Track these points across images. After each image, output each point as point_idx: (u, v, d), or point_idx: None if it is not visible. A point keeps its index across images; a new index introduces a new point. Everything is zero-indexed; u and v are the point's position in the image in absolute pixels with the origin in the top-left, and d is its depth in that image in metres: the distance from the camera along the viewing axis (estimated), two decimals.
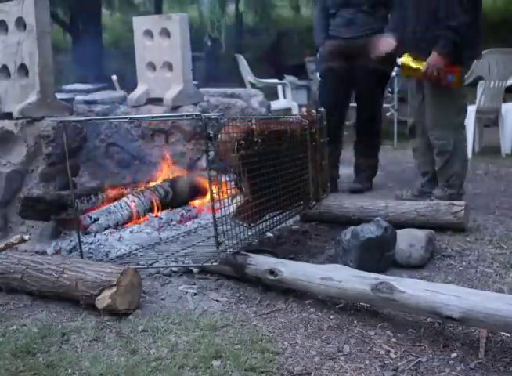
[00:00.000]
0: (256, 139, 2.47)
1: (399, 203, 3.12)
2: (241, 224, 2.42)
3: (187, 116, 2.48)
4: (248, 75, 7.00)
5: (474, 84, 5.00)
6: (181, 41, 3.71)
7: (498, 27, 12.50)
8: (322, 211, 3.21)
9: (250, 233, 2.51)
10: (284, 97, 6.98)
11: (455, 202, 2.98)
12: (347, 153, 5.56)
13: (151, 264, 2.51)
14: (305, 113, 3.07)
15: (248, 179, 2.42)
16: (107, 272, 2.16)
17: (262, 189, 2.52)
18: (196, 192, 3.43)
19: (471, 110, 5.06)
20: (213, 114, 2.48)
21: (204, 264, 2.45)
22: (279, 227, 2.96)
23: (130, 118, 3.10)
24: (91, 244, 2.81)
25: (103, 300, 2.11)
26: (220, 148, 2.40)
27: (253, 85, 6.75)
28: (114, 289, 2.10)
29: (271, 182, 2.57)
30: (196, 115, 2.33)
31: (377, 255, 2.50)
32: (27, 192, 2.93)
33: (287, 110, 6.52)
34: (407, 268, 2.55)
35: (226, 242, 2.32)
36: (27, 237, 2.49)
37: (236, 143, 2.35)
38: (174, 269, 2.57)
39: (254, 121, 2.55)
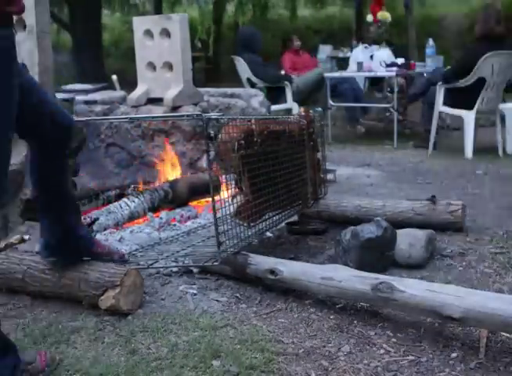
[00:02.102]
0: (256, 139, 2.47)
1: (397, 202, 3.13)
2: (241, 224, 2.42)
3: (187, 116, 2.49)
4: (248, 75, 6.97)
5: (475, 84, 4.99)
6: (181, 41, 3.71)
7: None
8: (320, 210, 3.21)
9: (250, 233, 2.51)
10: None
11: (452, 201, 2.99)
12: (348, 153, 5.59)
13: (151, 264, 2.50)
14: (303, 114, 3.08)
15: (248, 179, 2.42)
16: (110, 273, 2.16)
17: (262, 189, 2.52)
18: (196, 192, 3.43)
19: (471, 110, 5.07)
20: (213, 114, 2.48)
21: (205, 264, 2.45)
22: (278, 227, 2.97)
23: (130, 118, 3.11)
24: None
25: (107, 300, 2.11)
26: (220, 148, 2.40)
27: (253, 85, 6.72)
28: (118, 289, 2.10)
29: (270, 182, 2.58)
30: (196, 115, 2.33)
31: (377, 255, 2.51)
32: (28, 194, 2.92)
33: (288, 111, 6.52)
34: (407, 268, 2.55)
35: (227, 242, 2.33)
36: (26, 237, 2.50)
37: (236, 143, 2.36)
38: (175, 269, 2.57)
39: (253, 121, 2.55)
